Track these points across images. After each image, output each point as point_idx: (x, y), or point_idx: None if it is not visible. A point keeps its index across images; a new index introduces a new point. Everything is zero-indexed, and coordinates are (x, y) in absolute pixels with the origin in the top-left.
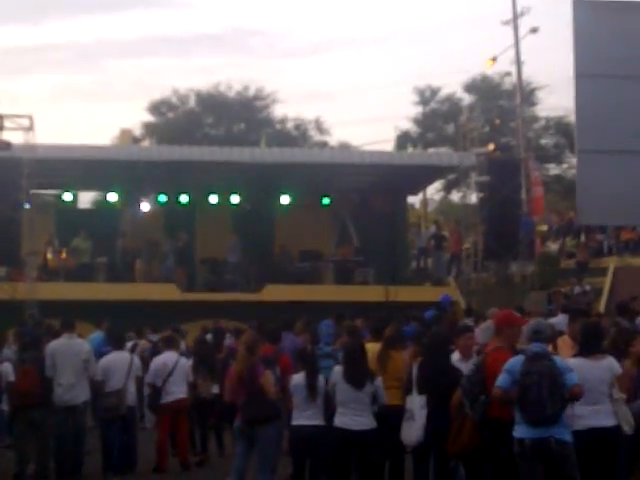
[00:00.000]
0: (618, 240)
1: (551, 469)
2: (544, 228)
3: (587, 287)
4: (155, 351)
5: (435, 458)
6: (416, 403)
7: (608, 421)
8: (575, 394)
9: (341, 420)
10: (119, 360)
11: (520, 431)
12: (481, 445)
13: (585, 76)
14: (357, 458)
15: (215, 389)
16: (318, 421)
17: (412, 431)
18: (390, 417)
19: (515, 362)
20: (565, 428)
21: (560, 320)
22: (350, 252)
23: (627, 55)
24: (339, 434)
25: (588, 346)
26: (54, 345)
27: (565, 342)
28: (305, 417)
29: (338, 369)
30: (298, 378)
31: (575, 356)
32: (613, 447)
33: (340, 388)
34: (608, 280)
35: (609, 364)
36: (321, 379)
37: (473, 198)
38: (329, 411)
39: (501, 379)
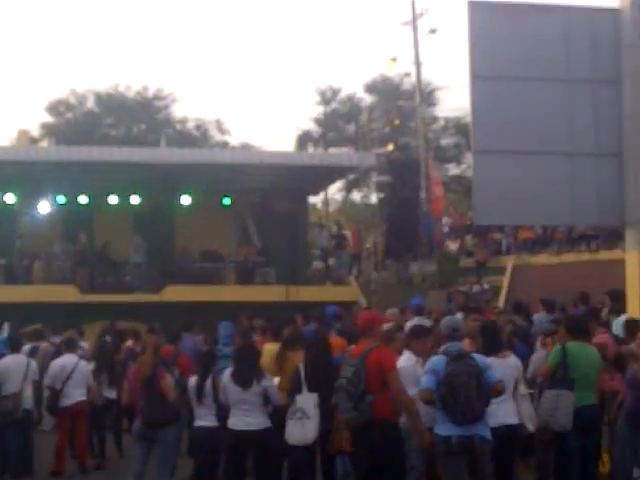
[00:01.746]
0: (516, 239)
1: (470, 464)
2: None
3: (486, 285)
4: (57, 353)
5: (324, 454)
6: (309, 402)
7: (512, 418)
8: (498, 391)
9: (231, 421)
10: (16, 363)
11: (445, 429)
12: (361, 447)
13: (481, 77)
14: (254, 459)
15: (111, 393)
16: (210, 422)
17: (308, 430)
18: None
19: (438, 362)
20: (486, 426)
21: (459, 319)
22: (251, 252)
23: (523, 57)
24: (230, 435)
25: (491, 344)
26: None
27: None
28: (198, 419)
29: (228, 370)
30: (192, 380)
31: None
32: (514, 444)
33: (229, 389)
34: (506, 278)
35: (514, 362)
36: (209, 381)
37: (374, 198)
38: (221, 412)
39: (427, 380)
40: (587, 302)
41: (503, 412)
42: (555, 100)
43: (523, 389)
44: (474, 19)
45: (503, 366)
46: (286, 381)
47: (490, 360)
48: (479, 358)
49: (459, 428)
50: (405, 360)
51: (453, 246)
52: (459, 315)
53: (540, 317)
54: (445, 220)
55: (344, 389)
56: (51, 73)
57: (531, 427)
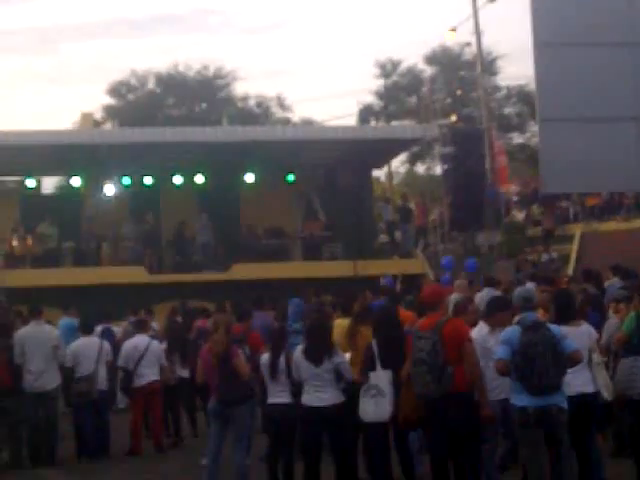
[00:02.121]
0: (584, 207)
1: (547, 434)
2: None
3: (554, 254)
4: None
5: (398, 430)
6: (383, 378)
7: (588, 387)
8: (576, 360)
9: (305, 397)
10: (88, 345)
11: (521, 400)
12: (437, 420)
13: (544, 44)
14: (328, 435)
15: (184, 372)
16: (284, 399)
17: (383, 407)
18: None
19: (512, 333)
20: (563, 395)
21: (531, 289)
22: (317, 228)
23: (585, 22)
24: (303, 411)
25: (564, 313)
26: (22, 332)
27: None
28: (272, 395)
29: (300, 347)
30: (265, 357)
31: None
32: (592, 413)
33: (301, 365)
34: (575, 247)
35: (587, 330)
36: (282, 357)
37: (438, 170)
38: (295, 388)
39: (502, 350)
40: None
41: (579, 381)
42: (621, 65)
43: (597, 357)
44: None
45: (577, 335)
46: (358, 356)
47: (564, 329)
48: (554, 328)
49: (535, 398)
50: (477, 332)
51: (520, 215)
52: (530, 285)
53: (612, 284)
54: (513, 189)
55: (424, 362)
56: (112, 55)
57: (607, 395)
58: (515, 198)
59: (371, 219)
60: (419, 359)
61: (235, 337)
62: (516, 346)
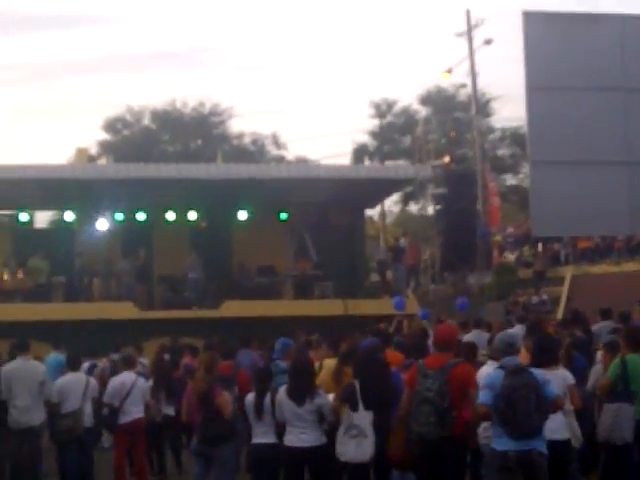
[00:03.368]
0: (575, 249)
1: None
2: (501, 238)
3: (545, 296)
4: (114, 370)
5: (379, 472)
6: (365, 419)
7: (559, 434)
8: (558, 405)
9: (287, 438)
10: (75, 381)
11: (502, 444)
12: (431, 461)
13: (536, 88)
14: (311, 476)
15: (170, 410)
16: (268, 439)
17: (365, 448)
18: None
19: (495, 377)
20: (543, 440)
21: (518, 331)
22: (308, 267)
23: (579, 67)
24: (285, 452)
25: (541, 357)
26: (9, 367)
27: (523, 354)
28: (257, 435)
29: (284, 386)
30: (250, 397)
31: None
32: (563, 461)
33: (284, 405)
34: (565, 289)
35: (563, 375)
36: (267, 397)
37: (430, 210)
38: (279, 428)
39: (484, 395)
40: None
41: (551, 428)
42: (612, 109)
43: (567, 405)
44: (529, 30)
45: (553, 379)
46: None
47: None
48: (537, 373)
49: (516, 442)
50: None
51: (511, 257)
52: (518, 327)
53: (600, 327)
54: (508, 231)
55: (431, 402)
56: (108, 90)
57: (575, 443)
58: (510, 239)
59: (363, 258)
60: (425, 399)
61: (223, 376)
62: (498, 390)
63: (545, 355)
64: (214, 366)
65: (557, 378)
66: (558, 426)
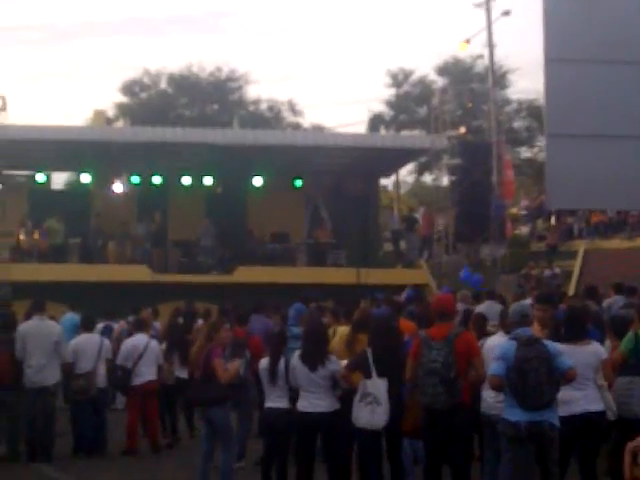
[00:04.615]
0: (588, 223)
1: (537, 451)
2: (515, 211)
3: (557, 270)
4: (131, 333)
5: (391, 439)
6: (380, 387)
7: (596, 406)
8: (570, 377)
9: (300, 403)
10: (89, 342)
11: (514, 414)
12: (440, 430)
13: (555, 60)
14: (322, 441)
15: (183, 373)
16: (281, 404)
17: (379, 415)
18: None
19: (508, 348)
20: (555, 413)
21: (528, 304)
22: (323, 235)
23: (598, 40)
24: (298, 417)
25: (574, 331)
26: (24, 327)
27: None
28: (270, 400)
29: (297, 351)
30: (264, 362)
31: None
32: (598, 431)
33: (298, 370)
34: (578, 263)
35: (595, 349)
36: (281, 362)
37: (445, 181)
38: (293, 394)
39: (496, 366)
40: None
41: (587, 399)
42: (631, 83)
43: (600, 379)
44: (549, 1)
45: (582, 353)
46: None
47: (568, 347)
48: (550, 344)
49: (528, 413)
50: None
51: (525, 230)
52: (529, 300)
53: (613, 302)
54: (523, 203)
55: (437, 373)
56: (125, 54)
57: (611, 416)
58: (524, 212)
59: (377, 227)
60: (432, 369)
61: (237, 341)
62: (511, 361)
63: (575, 329)
64: (215, 333)
65: (589, 353)
66: (594, 397)
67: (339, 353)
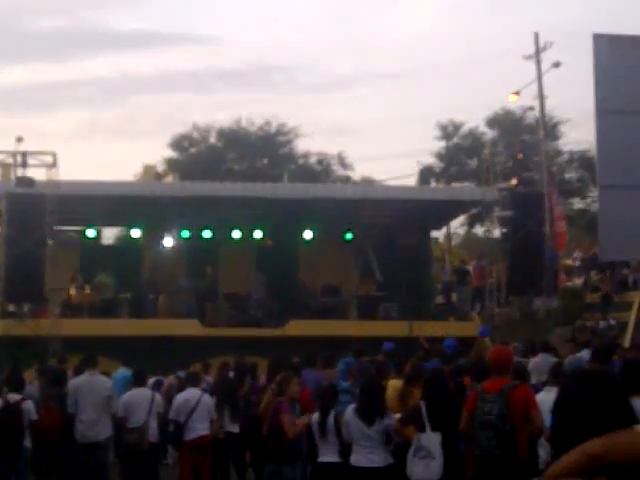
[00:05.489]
0: None
1: None
2: (568, 263)
3: (612, 321)
4: (181, 387)
5: None
6: (433, 441)
7: None
8: None
9: (354, 458)
10: (140, 396)
11: None
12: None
13: (606, 111)
14: None
15: (234, 428)
16: (332, 458)
17: (433, 470)
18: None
19: None
20: None
21: (584, 356)
22: (373, 287)
23: None
24: (352, 472)
25: (631, 384)
26: (76, 382)
27: None
28: (323, 454)
29: (352, 406)
30: (315, 416)
31: None
32: None
33: (352, 424)
34: (633, 314)
35: None
36: (331, 417)
37: (496, 232)
38: (344, 448)
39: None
40: None
41: None
42: None
43: None
44: (599, 52)
45: None
46: None
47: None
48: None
49: None
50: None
51: (578, 281)
52: (584, 352)
53: None
54: (576, 254)
55: (492, 426)
56: (176, 109)
57: None
58: (577, 263)
59: (428, 279)
60: (486, 422)
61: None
62: None
63: (633, 381)
64: (286, 386)
65: None
66: None
67: (392, 407)
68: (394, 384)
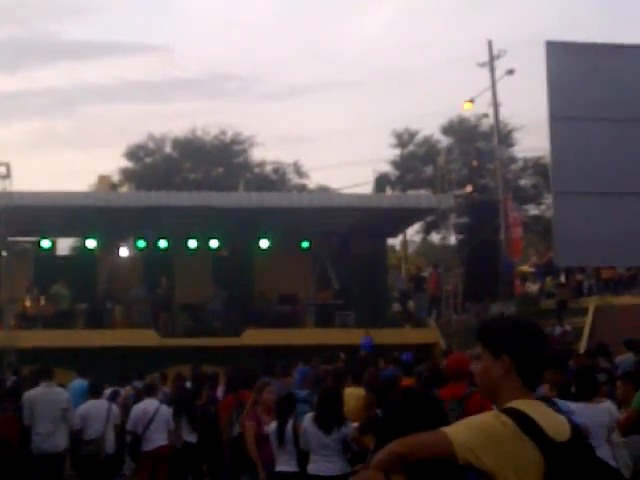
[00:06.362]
0: (598, 280)
1: None
2: (524, 269)
3: (567, 327)
4: (138, 398)
5: None
6: None
7: (611, 464)
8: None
9: (312, 466)
10: (97, 408)
11: None
12: None
13: (559, 118)
14: None
15: (192, 438)
16: (290, 467)
17: None
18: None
19: None
20: None
21: None
22: (330, 296)
23: (601, 97)
24: None
25: (585, 390)
26: (32, 394)
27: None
28: (280, 463)
29: (310, 414)
30: (273, 425)
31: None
32: None
33: (310, 433)
34: (589, 320)
35: (608, 408)
36: (289, 425)
37: (452, 239)
38: (301, 457)
39: None
40: None
41: (603, 456)
42: (635, 140)
43: (616, 437)
44: (552, 59)
45: (593, 412)
46: None
47: (579, 406)
48: (560, 403)
49: None
50: None
51: (534, 287)
52: None
53: (625, 359)
54: (531, 261)
55: None
56: (130, 119)
57: (627, 475)
58: (533, 270)
59: (385, 287)
60: None
61: (244, 404)
62: None
63: (588, 387)
64: (259, 396)
65: (603, 412)
66: (607, 457)
67: (351, 416)
68: (352, 392)
